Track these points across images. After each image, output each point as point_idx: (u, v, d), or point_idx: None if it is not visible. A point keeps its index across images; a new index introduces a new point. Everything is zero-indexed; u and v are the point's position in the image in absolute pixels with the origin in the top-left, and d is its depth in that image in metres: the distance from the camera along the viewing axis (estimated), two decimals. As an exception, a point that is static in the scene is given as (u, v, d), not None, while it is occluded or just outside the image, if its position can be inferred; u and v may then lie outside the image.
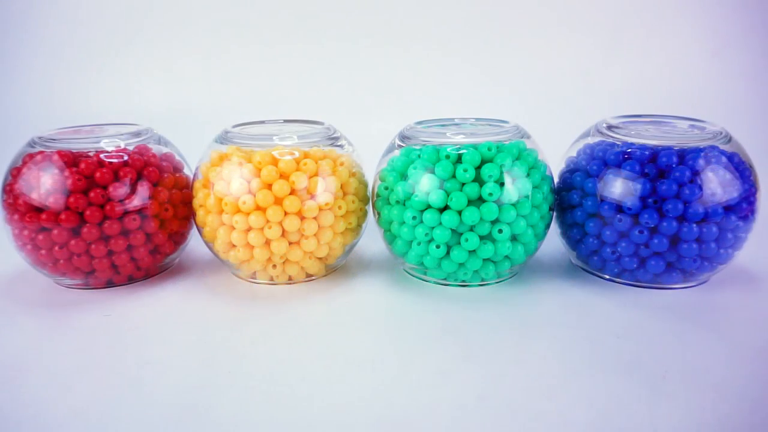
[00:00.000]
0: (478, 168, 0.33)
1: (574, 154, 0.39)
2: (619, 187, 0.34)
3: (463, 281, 0.37)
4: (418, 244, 0.35)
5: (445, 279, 0.37)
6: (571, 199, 0.37)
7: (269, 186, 0.34)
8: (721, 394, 0.25)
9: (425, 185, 0.33)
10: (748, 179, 0.34)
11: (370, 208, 0.39)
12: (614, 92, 0.79)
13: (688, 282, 0.36)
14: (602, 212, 0.35)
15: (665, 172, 0.33)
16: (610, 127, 0.37)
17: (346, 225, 0.37)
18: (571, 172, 0.38)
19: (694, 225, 0.33)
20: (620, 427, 0.23)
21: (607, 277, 0.37)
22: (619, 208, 0.34)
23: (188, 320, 0.33)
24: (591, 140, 0.38)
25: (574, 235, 0.37)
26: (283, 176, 0.34)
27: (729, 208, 0.33)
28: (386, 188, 0.36)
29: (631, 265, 0.35)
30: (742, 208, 0.33)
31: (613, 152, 0.35)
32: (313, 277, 0.38)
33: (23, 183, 0.34)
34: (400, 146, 0.37)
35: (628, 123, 0.37)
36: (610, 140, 0.36)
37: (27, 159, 0.35)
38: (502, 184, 0.33)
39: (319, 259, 0.37)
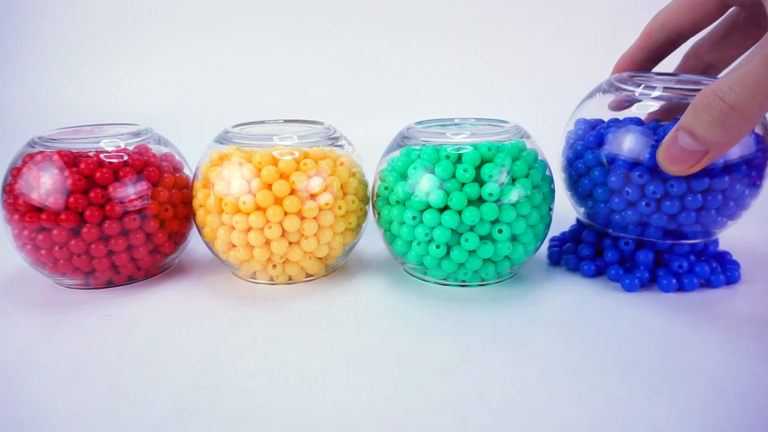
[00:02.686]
0: (478, 168, 0.33)
1: (573, 127, 0.38)
2: (628, 145, 0.33)
3: (463, 281, 0.37)
4: (418, 244, 0.35)
5: (445, 279, 0.37)
6: (579, 170, 0.37)
7: (269, 186, 0.34)
8: (721, 392, 0.25)
9: (425, 185, 0.33)
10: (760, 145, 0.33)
11: (370, 208, 0.39)
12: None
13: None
14: (611, 183, 0.34)
15: None
16: (617, 84, 0.35)
17: (346, 225, 0.37)
18: (577, 150, 0.37)
19: (699, 195, 0.32)
20: (620, 427, 0.23)
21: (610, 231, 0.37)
22: (627, 175, 0.34)
23: (188, 320, 0.33)
24: (602, 98, 0.37)
25: (588, 206, 0.37)
26: (283, 176, 0.34)
27: (728, 168, 0.32)
28: (386, 188, 0.36)
29: (635, 232, 0.35)
30: (751, 176, 0.33)
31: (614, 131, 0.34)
32: (313, 277, 0.38)
33: (23, 183, 0.34)
34: (400, 146, 0.37)
35: (639, 78, 0.36)
36: (624, 93, 0.35)
37: (27, 159, 0.35)
38: (502, 184, 0.33)
39: (319, 259, 0.37)
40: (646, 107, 0.34)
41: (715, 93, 0.27)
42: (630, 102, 0.35)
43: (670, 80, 0.35)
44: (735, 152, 0.32)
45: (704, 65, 0.38)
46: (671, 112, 0.36)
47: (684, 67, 0.39)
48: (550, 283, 0.37)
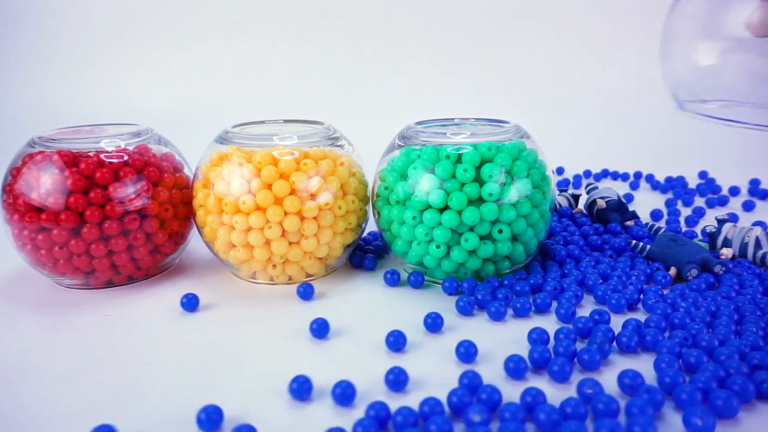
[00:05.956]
0: (478, 168, 0.33)
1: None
2: None
3: (463, 281, 0.37)
4: (418, 244, 0.35)
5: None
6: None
7: (269, 186, 0.34)
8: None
9: (425, 185, 0.33)
10: None
11: (370, 208, 0.39)
12: (613, 92, 0.79)
13: None
14: None
15: None
16: None
17: (346, 225, 0.37)
18: None
19: None
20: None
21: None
22: None
23: (188, 320, 0.33)
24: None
25: None
26: (283, 176, 0.34)
27: None
28: (386, 188, 0.36)
29: None
30: None
31: None
32: (313, 277, 0.38)
33: (23, 183, 0.34)
34: (400, 146, 0.37)
35: None
36: None
37: (27, 159, 0.35)
38: (502, 184, 0.33)
39: (319, 259, 0.37)
40: None
41: None
42: None
43: None
44: None
45: None
46: None
47: None
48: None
